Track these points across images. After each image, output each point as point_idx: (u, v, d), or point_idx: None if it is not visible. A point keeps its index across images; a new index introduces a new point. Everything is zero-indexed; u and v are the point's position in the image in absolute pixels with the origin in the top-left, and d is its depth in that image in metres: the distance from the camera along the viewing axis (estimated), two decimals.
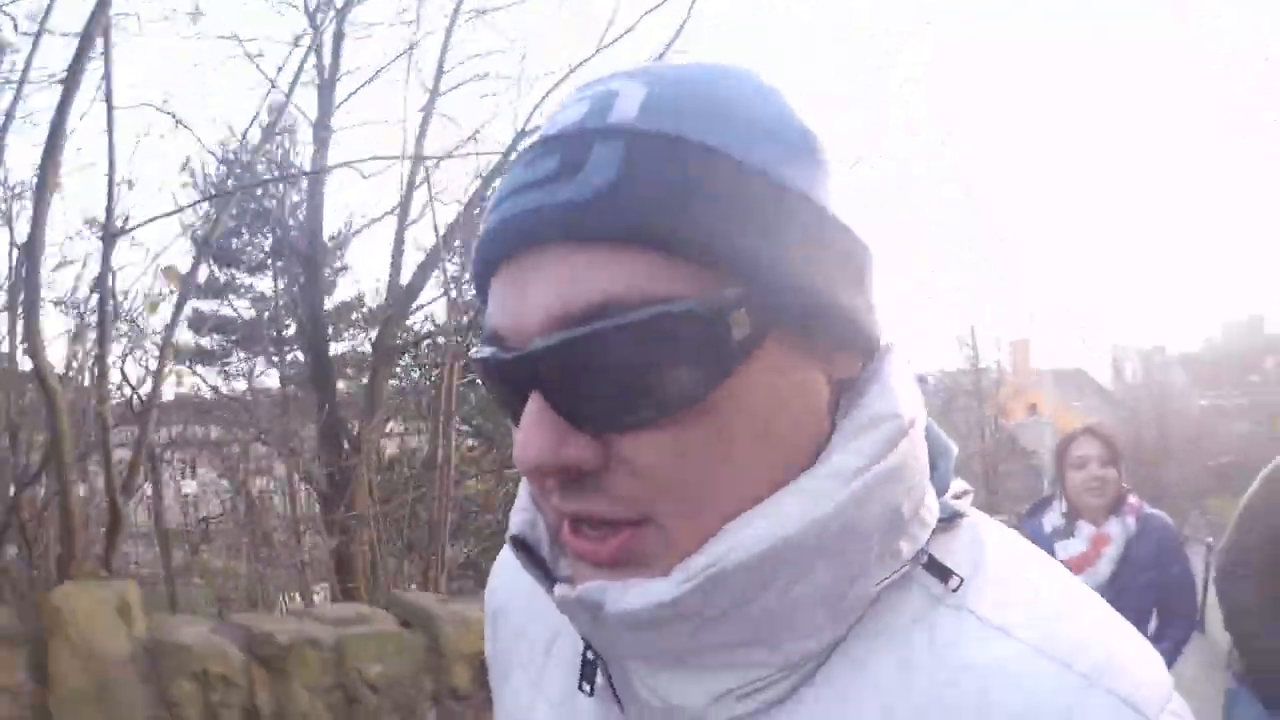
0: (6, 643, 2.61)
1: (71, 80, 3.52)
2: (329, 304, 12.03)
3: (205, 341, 15.93)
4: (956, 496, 0.58)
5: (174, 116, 4.44)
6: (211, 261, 15.13)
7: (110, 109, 3.63)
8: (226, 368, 15.20)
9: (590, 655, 0.58)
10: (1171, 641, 2.77)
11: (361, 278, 22.05)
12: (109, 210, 3.66)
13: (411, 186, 7.12)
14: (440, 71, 7.29)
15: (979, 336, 13.78)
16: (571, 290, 0.47)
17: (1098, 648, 0.50)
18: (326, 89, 7.39)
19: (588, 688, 0.58)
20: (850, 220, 0.52)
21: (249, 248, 15.44)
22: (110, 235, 3.64)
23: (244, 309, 15.55)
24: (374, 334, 8.15)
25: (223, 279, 15.94)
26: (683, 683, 0.53)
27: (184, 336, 14.77)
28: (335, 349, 10.96)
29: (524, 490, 0.60)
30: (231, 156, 6.34)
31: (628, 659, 0.54)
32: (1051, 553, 2.78)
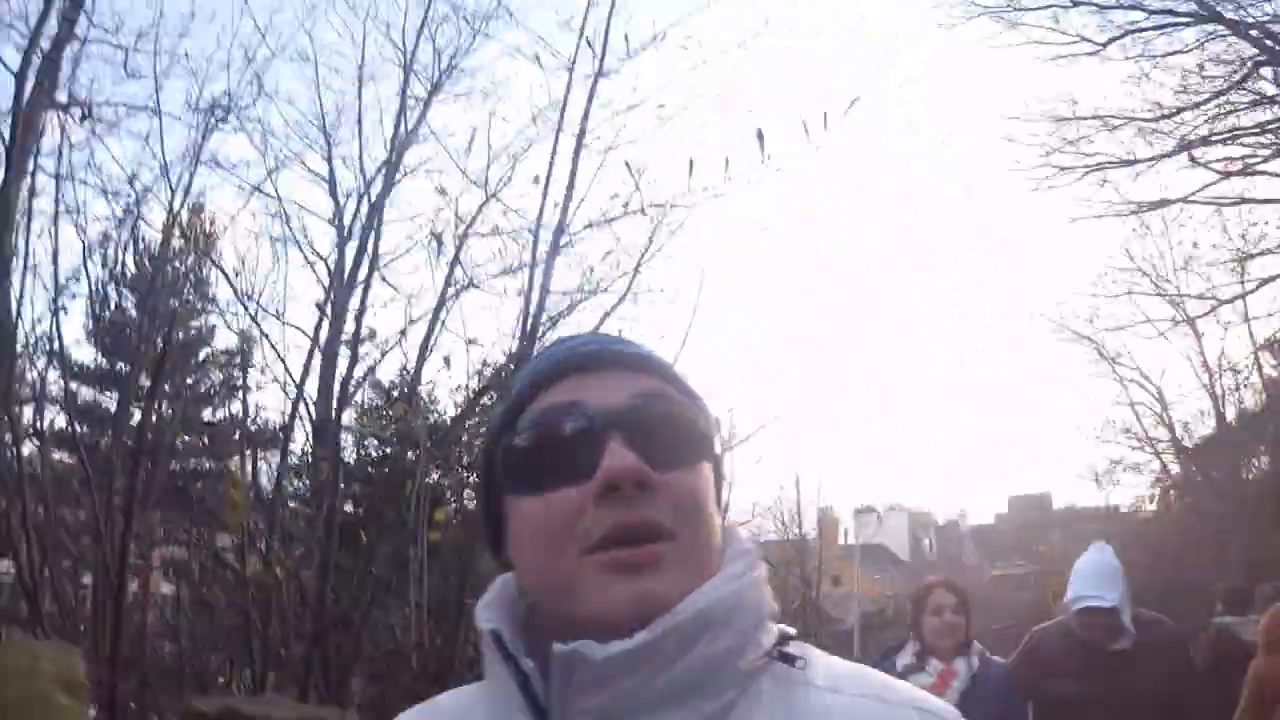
0: None
1: None
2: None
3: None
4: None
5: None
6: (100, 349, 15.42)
7: None
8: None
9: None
10: None
11: None
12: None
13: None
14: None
15: (799, 509, 15.44)
16: (636, 384, 0.82)
17: (901, 690, 0.81)
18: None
19: None
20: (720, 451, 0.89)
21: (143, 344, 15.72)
22: None
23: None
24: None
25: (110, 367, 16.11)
26: None
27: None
28: None
29: (491, 597, 0.83)
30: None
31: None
32: None
